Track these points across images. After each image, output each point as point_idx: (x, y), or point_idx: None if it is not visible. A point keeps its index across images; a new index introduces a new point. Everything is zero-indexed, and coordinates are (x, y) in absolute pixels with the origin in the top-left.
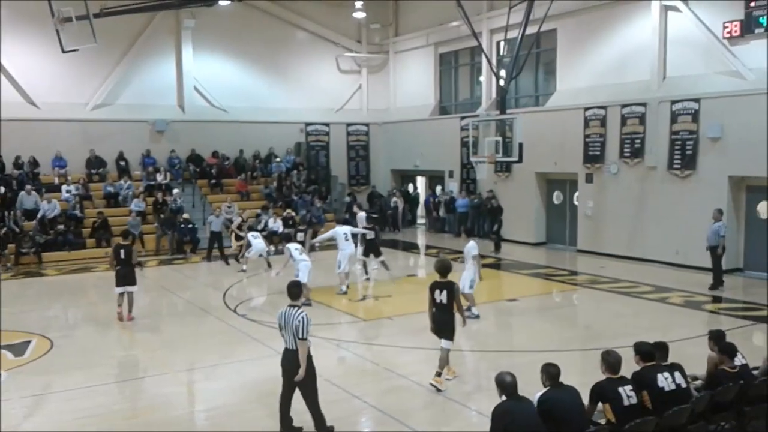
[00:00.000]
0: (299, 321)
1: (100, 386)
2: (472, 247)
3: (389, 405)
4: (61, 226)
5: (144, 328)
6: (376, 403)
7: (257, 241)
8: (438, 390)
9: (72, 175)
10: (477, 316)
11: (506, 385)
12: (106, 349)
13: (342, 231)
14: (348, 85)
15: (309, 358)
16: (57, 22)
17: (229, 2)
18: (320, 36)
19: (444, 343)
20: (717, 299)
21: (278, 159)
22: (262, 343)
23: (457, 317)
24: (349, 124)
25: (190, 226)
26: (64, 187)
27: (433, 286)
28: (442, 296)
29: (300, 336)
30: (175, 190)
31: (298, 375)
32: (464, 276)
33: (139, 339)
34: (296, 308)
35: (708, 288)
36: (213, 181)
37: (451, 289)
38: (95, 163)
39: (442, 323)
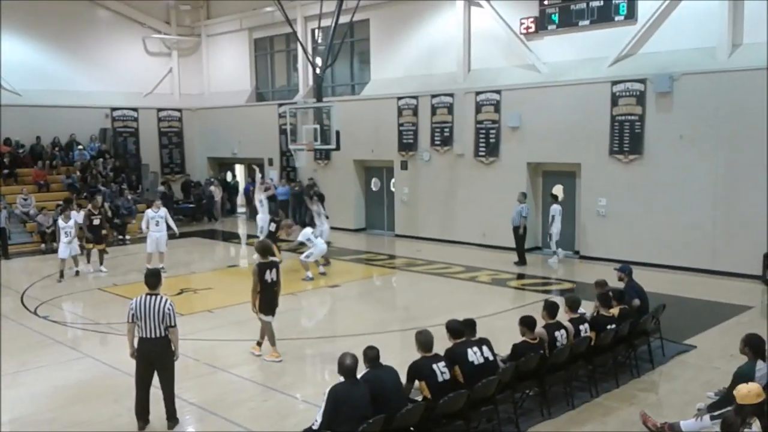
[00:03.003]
0: (169, 309)
1: None
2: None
3: (210, 400)
4: None
5: None
6: (196, 399)
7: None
8: (257, 355)
9: None
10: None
11: (346, 367)
12: None
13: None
14: (157, 68)
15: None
16: None
17: None
18: (125, 15)
19: (269, 317)
20: (520, 276)
21: (81, 146)
22: (66, 345)
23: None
24: (160, 110)
25: None
26: None
27: (263, 267)
28: (272, 275)
29: (172, 324)
30: None
31: (175, 357)
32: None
33: None
34: (157, 297)
35: (513, 264)
36: (6, 171)
37: (278, 266)
38: None
39: (275, 300)
